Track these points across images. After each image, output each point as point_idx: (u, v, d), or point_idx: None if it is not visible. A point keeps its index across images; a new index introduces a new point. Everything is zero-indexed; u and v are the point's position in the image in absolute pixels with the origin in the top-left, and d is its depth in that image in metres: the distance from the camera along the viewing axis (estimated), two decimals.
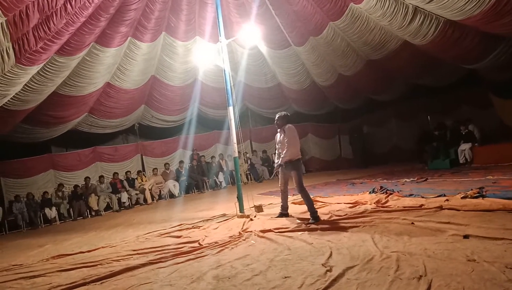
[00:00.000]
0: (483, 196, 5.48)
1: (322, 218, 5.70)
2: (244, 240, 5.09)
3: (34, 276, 4.61)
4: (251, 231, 5.48)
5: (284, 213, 6.42)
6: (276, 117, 6.22)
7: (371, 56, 11.71)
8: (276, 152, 6.44)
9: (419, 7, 8.68)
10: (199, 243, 5.20)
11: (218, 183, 14.24)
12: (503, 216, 4.43)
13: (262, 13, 11.34)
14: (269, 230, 5.36)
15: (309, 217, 5.74)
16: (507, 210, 4.62)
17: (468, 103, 13.01)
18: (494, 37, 9.11)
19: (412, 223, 4.66)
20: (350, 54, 11.85)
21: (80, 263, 4.96)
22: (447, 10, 8.08)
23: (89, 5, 8.33)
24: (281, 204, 6.46)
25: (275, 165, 6.40)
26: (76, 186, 12.08)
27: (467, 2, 7.53)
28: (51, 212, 11.22)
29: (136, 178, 13.39)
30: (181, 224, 7.10)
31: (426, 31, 9.25)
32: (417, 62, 11.25)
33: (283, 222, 5.96)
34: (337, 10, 10.07)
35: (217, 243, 5.06)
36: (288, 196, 6.59)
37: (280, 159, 6.10)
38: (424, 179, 8.69)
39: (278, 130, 6.25)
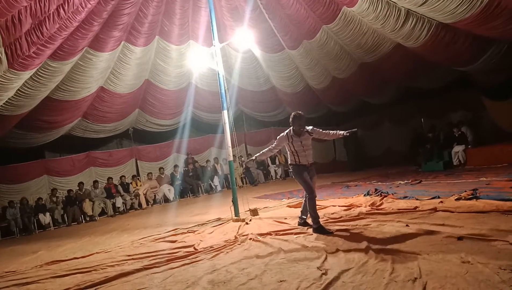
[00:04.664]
0: (476, 198, 5.51)
1: None
2: (239, 244, 5.07)
3: (28, 283, 4.57)
4: (246, 235, 5.47)
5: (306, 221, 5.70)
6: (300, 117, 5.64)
7: (364, 59, 11.75)
8: (300, 154, 5.84)
9: (411, 10, 8.74)
10: (194, 248, 5.18)
11: (213, 187, 14.24)
12: (497, 218, 4.46)
13: (256, 17, 11.36)
14: (265, 234, 5.36)
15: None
16: (500, 211, 4.65)
17: (460, 105, 13.08)
18: (485, 40, 9.20)
19: (407, 225, 4.67)
20: (343, 57, 11.88)
21: (74, 269, 4.92)
22: (439, 13, 8.15)
23: (82, 9, 8.30)
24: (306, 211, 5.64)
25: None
26: (69, 191, 12.00)
27: (458, 5, 7.60)
28: (45, 218, 11.16)
29: (131, 183, 13.33)
30: (176, 229, 7.07)
31: (419, 34, 9.31)
32: (409, 65, 11.29)
33: (279, 225, 5.95)
34: (330, 13, 10.11)
35: (212, 247, 5.05)
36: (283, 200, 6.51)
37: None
38: (418, 181, 8.72)
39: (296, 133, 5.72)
